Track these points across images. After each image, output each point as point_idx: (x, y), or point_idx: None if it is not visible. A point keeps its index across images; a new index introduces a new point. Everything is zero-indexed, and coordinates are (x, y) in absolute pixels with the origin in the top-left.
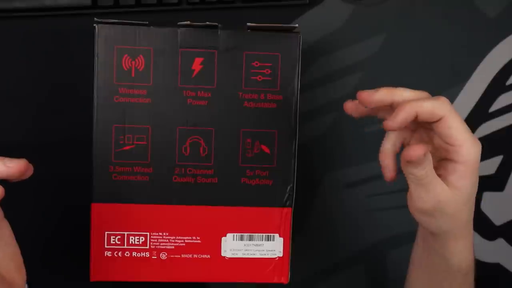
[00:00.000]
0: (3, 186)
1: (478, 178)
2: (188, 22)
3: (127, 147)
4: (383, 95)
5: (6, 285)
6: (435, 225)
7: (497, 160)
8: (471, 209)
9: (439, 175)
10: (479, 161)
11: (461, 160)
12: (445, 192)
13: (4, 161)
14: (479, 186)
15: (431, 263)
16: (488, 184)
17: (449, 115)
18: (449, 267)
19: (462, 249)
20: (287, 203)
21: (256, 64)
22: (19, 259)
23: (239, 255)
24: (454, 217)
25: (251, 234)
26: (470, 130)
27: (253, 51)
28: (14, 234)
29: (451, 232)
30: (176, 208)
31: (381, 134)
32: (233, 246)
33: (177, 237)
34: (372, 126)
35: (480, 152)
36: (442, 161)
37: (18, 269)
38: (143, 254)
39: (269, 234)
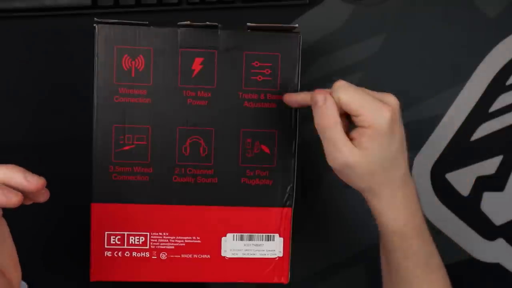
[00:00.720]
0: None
1: (393, 142)
2: (188, 22)
3: (127, 147)
4: (302, 95)
5: (5, 282)
6: (350, 182)
7: (497, 160)
8: (387, 170)
9: (353, 138)
10: (388, 125)
11: (366, 125)
12: (353, 153)
13: (25, 174)
14: (479, 186)
15: (379, 234)
16: (488, 184)
17: (343, 96)
18: (382, 227)
19: (386, 208)
20: (287, 203)
21: (256, 64)
22: (16, 257)
23: (239, 255)
24: (367, 177)
25: (251, 234)
26: (372, 100)
27: (253, 51)
28: (15, 234)
29: (370, 191)
30: (176, 208)
31: None
32: (233, 246)
33: (177, 237)
34: None
35: (388, 117)
36: (358, 128)
37: (15, 267)
38: (143, 254)
39: (269, 234)
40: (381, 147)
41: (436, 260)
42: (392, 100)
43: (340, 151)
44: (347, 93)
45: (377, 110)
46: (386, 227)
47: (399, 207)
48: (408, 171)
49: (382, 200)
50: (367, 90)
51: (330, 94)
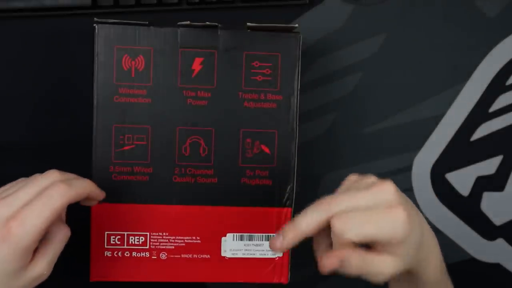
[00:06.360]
0: None
1: (417, 229)
2: (188, 22)
3: (127, 147)
4: (290, 238)
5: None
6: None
7: (497, 160)
8: (420, 236)
9: (378, 251)
10: (406, 222)
11: (386, 242)
12: (393, 263)
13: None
14: (479, 186)
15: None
16: (488, 184)
17: (351, 237)
18: (419, 283)
19: (431, 266)
20: (287, 203)
21: (256, 64)
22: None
23: (239, 255)
24: (414, 258)
25: (251, 234)
26: (376, 214)
27: (253, 51)
28: None
29: (421, 264)
30: (176, 208)
31: (381, 134)
32: (233, 246)
33: (177, 237)
34: (372, 126)
35: (402, 218)
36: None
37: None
38: (143, 254)
39: (269, 234)
40: (412, 242)
41: None
42: (390, 190)
43: (382, 273)
44: (352, 232)
45: (391, 224)
46: (429, 281)
47: (437, 258)
48: (427, 223)
49: (424, 261)
50: (363, 197)
51: (337, 254)
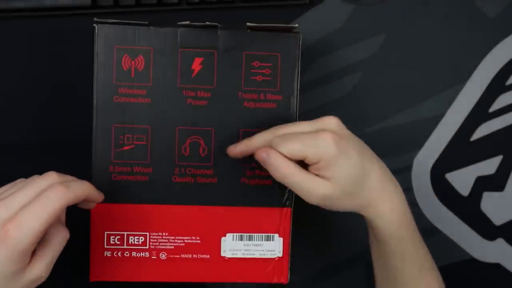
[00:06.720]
0: None
1: (350, 156)
2: (188, 22)
3: (127, 147)
4: (243, 147)
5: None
6: (339, 208)
7: (497, 160)
8: (363, 181)
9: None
10: (335, 148)
11: (316, 161)
12: (322, 186)
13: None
14: (479, 186)
15: (372, 238)
16: (488, 184)
17: (283, 150)
18: (379, 234)
19: (380, 214)
20: (287, 203)
21: (256, 64)
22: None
23: (239, 255)
24: (350, 198)
25: (250, 234)
26: (308, 137)
27: (253, 51)
28: None
29: (360, 207)
30: (175, 208)
31: (381, 134)
32: (232, 246)
33: (176, 237)
34: (372, 126)
35: (329, 142)
36: (313, 165)
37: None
38: (142, 254)
39: (269, 234)
40: (343, 168)
41: (430, 261)
42: (328, 121)
43: (310, 191)
44: (285, 146)
45: (317, 143)
46: (382, 232)
47: (391, 210)
48: (386, 170)
49: (371, 208)
50: (304, 126)
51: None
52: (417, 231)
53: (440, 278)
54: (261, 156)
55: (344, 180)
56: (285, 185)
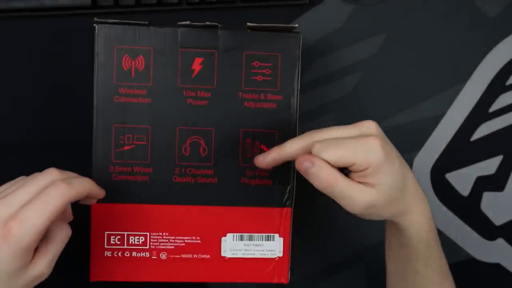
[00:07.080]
0: None
1: (394, 163)
2: (188, 22)
3: (127, 147)
4: (275, 156)
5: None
6: (380, 216)
7: (497, 160)
8: (404, 189)
9: (359, 182)
10: (383, 154)
11: (364, 168)
12: (367, 194)
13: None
14: (479, 186)
15: (396, 243)
16: (488, 184)
17: (327, 157)
18: (409, 239)
19: (415, 220)
20: (287, 203)
21: (256, 64)
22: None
23: (239, 255)
24: (391, 205)
25: (251, 234)
26: (355, 143)
27: (253, 51)
28: None
29: (400, 214)
30: (176, 208)
31: None
32: (233, 246)
33: (177, 237)
34: None
35: (378, 148)
36: (359, 172)
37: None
38: (143, 254)
39: (269, 234)
40: (388, 175)
41: (447, 266)
42: (368, 125)
43: (354, 199)
44: (329, 153)
45: (366, 148)
46: (412, 237)
47: (424, 215)
48: (414, 175)
49: (407, 215)
50: (344, 130)
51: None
52: (438, 237)
53: (454, 284)
54: (303, 165)
55: (389, 187)
56: (327, 194)
